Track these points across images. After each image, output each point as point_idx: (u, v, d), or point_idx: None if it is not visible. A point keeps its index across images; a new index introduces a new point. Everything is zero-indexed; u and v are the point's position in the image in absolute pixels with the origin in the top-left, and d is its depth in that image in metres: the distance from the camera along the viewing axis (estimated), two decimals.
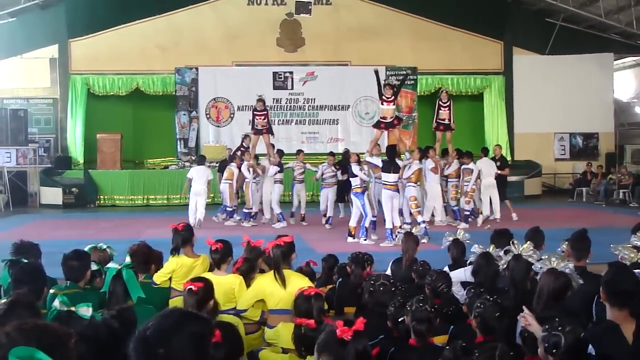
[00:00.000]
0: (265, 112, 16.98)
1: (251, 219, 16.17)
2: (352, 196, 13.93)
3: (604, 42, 24.80)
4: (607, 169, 23.30)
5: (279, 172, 16.19)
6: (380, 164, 13.57)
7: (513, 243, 5.63)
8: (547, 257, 5.04)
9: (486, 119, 24.79)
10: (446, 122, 16.84)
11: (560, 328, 3.61)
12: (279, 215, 16.09)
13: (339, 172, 16.18)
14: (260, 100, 17.42)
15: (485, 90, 24.74)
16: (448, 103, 16.95)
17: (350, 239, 13.49)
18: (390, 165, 13.39)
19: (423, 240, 13.11)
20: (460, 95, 24.39)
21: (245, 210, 16.29)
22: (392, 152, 13.72)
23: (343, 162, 16.20)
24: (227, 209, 16.55)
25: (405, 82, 20.57)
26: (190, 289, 4.69)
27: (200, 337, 2.26)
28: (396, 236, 12.19)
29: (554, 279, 4.73)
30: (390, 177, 13.30)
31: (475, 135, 24.00)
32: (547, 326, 3.70)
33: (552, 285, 4.71)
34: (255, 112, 16.93)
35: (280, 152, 16.68)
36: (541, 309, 4.51)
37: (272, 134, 17.21)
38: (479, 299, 4.44)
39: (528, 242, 5.75)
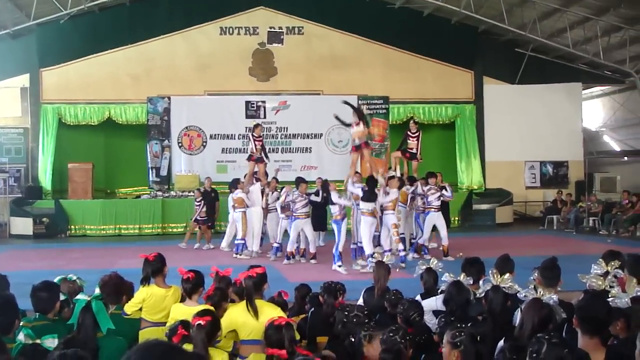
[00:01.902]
0: (261, 138, 16.82)
1: (243, 251, 15.72)
2: (332, 223, 14.11)
3: (573, 72, 25.22)
4: (577, 197, 23.57)
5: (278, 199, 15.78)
6: (361, 193, 13.65)
7: (492, 273, 5.65)
8: (532, 286, 5.06)
9: (458, 148, 24.98)
10: (413, 151, 16.83)
11: (547, 337, 3.60)
12: (276, 246, 15.54)
13: (312, 197, 15.24)
14: (259, 125, 17.26)
15: (456, 119, 24.94)
16: (417, 133, 16.93)
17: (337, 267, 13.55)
18: (370, 195, 13.57)
19: (402, 265, 13.24)
20: (431, 124, 24.61)
21: (239, 241, 15.80)
22: (372, 183, 13.84)
23: (323, 191, 15.82)
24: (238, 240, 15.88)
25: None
26: (200, 324, 4.67)
27: None
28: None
29: (538, 310, 4.65)
30: (370, 206, 13.49)
31: (447, 163, 24.18)
32: (538, 335, 3.70)
33: (537, 316, 4.62)
34: (255, 139, 16.58)
35: (276, 180, 16.47)
36: (528, 338, 4.47)
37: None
38: (454, 329, 4.40)
39: (508, 273, 5.76)
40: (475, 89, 25.01)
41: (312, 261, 14.74)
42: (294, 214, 14.81)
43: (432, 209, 15.18)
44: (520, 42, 24.49)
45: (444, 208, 16.20)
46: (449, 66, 24.70)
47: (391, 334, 4.35)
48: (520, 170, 25.51)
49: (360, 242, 13.94)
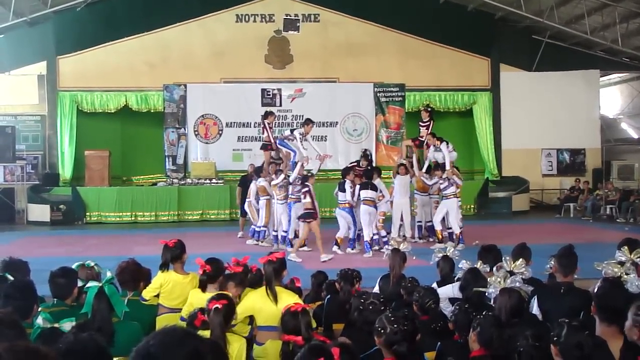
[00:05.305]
0: (271, 127, 16.71)
1: (263, 239, 15.55)
2: (340, 210, 14.14)
3: (590, 59, 25.02)
4: (594, 185, 23.44)
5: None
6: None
7: (505, 259, 5.64)
8: (494, 278, 5.21)
9: (479, 135, 24.84)
10: (423, 139, 16.67)
11: (567, 321, 3.73)
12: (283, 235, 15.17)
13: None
14: (273, 114, 17.19)
15: (473, 106, 24.80)
16: (427, 122, 16.92)
17: (335, 248, 13.84)
18: (367, 184, 14.06)
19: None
20: (448, 111, 24.53)
21: (261, 228, 15.54)
22: (370, 173, 14.51)
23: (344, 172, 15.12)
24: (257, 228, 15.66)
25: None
26: (217, 307, 4.69)
27: (201, 355, 2.33)
28: (381, 249, 12.25)
29: (507, 298, 4.87)
30: (369, 194, 13.90)
31: (467, 151, 24.07)
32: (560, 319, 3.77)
33: (509, 304, 4.85)
34: (271, 127, 16.53)
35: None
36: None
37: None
38: (475, 313, 4.46)
39: (521, 259, 5.76)
40: (492, 76, 24.84)
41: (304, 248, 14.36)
42: (291, 197, 14.58)
43: (449, 197, 14.83)
44: (537, 29, 24.33)
45: None
46: (465, 53, 24.55)
47: (395, 326, 3.98)
48: (537, 157, 25.37)
49: (360, 230, 14.16)
